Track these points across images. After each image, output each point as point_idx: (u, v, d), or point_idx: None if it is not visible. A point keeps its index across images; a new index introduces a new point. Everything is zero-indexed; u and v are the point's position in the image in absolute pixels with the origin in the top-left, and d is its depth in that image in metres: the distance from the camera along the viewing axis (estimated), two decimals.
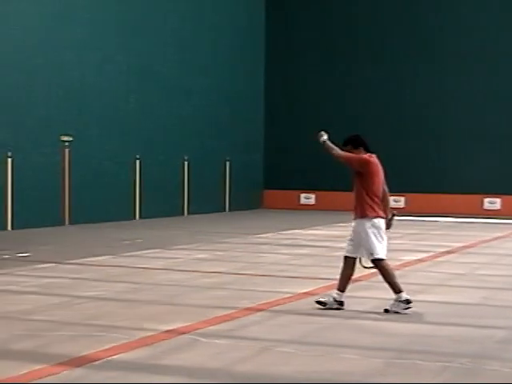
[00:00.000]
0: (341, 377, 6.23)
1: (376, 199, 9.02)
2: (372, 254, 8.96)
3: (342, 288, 9.09)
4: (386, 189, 9.30)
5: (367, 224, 8.93)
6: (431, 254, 15.49)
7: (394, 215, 9.26)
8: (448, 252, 15.87)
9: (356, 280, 11.49)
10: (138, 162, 24.14)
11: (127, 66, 23.85)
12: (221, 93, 28.08)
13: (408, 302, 8.93)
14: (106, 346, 7.06)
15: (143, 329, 7.89)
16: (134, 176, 24.03)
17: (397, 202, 29.17)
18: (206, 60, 27.24)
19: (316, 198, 29.48)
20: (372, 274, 12.16)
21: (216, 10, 27.90)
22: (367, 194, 8.99)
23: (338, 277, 9.15)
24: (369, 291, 10.62)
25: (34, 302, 9.44)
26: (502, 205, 28.00)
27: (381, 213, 9.04)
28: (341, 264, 9.18)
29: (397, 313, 8.88)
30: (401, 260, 14.31)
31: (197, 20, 26.82)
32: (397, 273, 12.54)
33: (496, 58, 28.33)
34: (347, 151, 9.14)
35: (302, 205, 30.20)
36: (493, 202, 28.16)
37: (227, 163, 28.45)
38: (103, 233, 19.58)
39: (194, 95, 26.68)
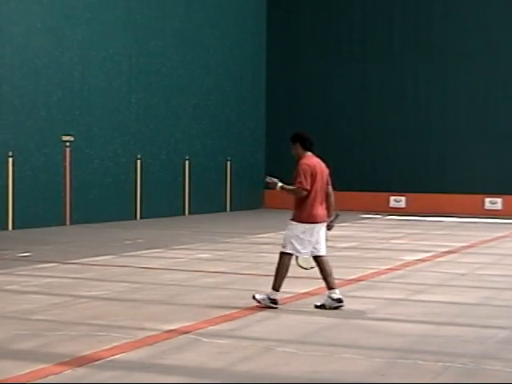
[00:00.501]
0: (341, 377, 6.24)
1: (312, 202, 9.00)
2: (283, 247, 9.13)
3: (329, 286, 9.09)
4: (330, 189, 9.29)
5: (299, 227, 9.04)
6: (432, 253, 15.48)
7: (337, 216, 9.28)
8: (449, 252, 15.86)
9: (357, 280, 11.53)
10: (139, 161, 24.15)
11: (128, 65, 23.86)
12: (222, 93, 28.09)
13: (274, 301, 9.04)
14: (108, 346, 7.08)
15: (145, 328, 7.90)
16: (135, 176, 24.03)
17: (398, 201, 29.21)
18: (208, 60, 27.25)
19: None
20: (372, 274, 12.19)
21: (218, 10, 27.91)
22: (306, 197, 9.00)
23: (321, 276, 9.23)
24: (370, 291, 10.62)
25: (35, 302, 9.45)
26: (503, 205, 27.98)
27: (314, 218, 9.01)
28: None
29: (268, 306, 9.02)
30: (402, 260, 14.33)
31: (198, 20, 26.83)
32: (398, 273, 12.62)
33: (496, 57, 28.32)
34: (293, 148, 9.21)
35: None
36: (494, 202, 28.15)
37: (228, 163, 28.46)
38: (104, 233, 19.59)
39: (195, 95, 26.70)
